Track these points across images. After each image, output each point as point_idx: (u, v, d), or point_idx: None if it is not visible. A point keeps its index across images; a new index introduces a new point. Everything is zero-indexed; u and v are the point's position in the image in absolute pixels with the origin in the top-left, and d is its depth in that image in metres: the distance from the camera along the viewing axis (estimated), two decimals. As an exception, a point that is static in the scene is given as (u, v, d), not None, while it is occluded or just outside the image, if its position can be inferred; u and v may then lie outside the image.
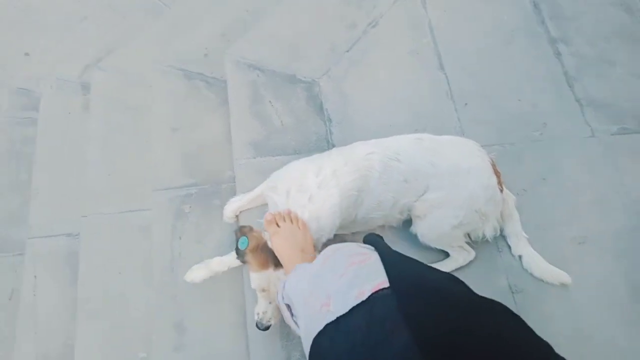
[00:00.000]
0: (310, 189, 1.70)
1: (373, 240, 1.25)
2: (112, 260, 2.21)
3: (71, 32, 3.36)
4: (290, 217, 1.66)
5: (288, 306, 1.31)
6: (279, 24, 2.48)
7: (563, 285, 1.84)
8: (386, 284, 0.97)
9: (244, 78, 2.29)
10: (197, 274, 1.91)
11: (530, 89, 2.30)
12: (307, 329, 1.06)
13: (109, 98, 2.61)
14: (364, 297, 0.95)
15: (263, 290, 1.65)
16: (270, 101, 2.23)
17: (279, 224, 1.64)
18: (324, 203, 1.68)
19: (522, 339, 0.90)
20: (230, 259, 1.88)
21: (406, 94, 2.28)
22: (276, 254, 1.62)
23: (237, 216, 2.03)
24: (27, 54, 3.40)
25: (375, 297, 0.95)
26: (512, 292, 1.86)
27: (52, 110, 2.78)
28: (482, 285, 1.87)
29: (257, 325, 1.66)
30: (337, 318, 0.97)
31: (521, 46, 2.42)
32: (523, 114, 2.24)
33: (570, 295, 1.85)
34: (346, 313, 0.96)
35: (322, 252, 1.27)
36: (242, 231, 1.73)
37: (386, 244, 1.25)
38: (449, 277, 1.13)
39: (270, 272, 1.63)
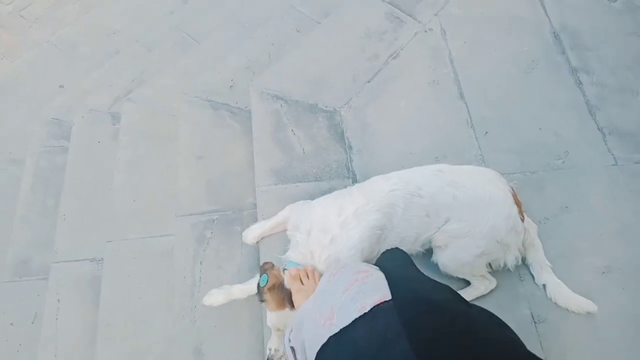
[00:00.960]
0: (332, 229, 1.70)
1: (384, 258, 1.26)
2: (133, 285, 2.25)
3: (103, 65, 3.53)
4: (314, 276, 1.66)
5: (293, 349, 1.31)
6: (302, 56, 2.56)
7: (589, 315, 1.79)
8: (387, 298, 1.00)
9: (267, 107, 2.35)
10: (215, 298, 1.93)
11: (552, 118, 2.29)
12: (311, 344, 1.08)
13: (137, 128, 2.71)
14: (366, 310, 0.99)
15: (278, 329, 1.65)
16: (292, 129, 2.28)
17: (303, 281, 1.65)
18: (345, 244, 1.69)
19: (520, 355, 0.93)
20: (251, 288, 1.89)
21: (426, 122, 2.31)
22: (297, 309, 1.62)
23: (257, 242, 2.04)
24: (61, 86, 3.58)
25: (376, 310, 0.98)
26: (535, 322, 1.81)
27: (82, 139, 2.90)
28: (504, 314, 1.82)
29: None
30: (340, 330, 1.00)
31: (542, 76, 2.43)
32: (544, 142, 2.23)
33: (594, 326, 1.79)
34: (348, 325, 0.99)
35: (326, 272, 1.31)
36: (264, 268, 1.74)
37: (395, 257, 1.26)
38: (452, 297, 1.15)
39: (287, 312, 1.63)
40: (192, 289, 2.05)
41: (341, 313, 1.03)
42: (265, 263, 1.76)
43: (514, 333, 1.01)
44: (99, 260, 2.42)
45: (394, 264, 1.30)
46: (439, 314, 0.98)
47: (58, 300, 2.37)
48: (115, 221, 2.41)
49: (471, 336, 0.92)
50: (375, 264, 1.26)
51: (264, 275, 1.69)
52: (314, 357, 1.05)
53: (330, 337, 1.01)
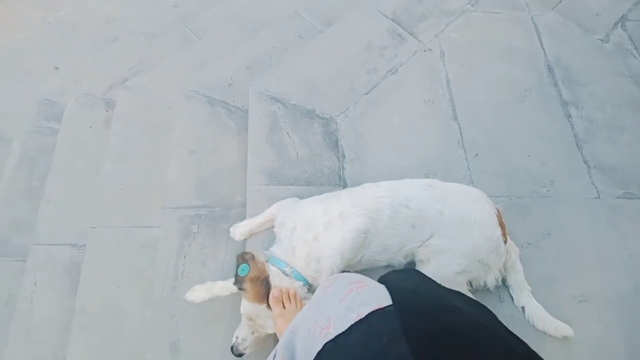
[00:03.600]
0: (316, 228, 1.73)
1: (388, 274, 1.28)
2: (113, 274, 2.22)
3: (101, 51, 3.50)
4: (296, 300, 1.68)
5: None
6: (304, 62, 2.59)
7: (564, 340, 1.84)
8: (383, 305, 1.00)
9: (265, 109, 2.37)
10: (198, 294, 1.91)
11: (540, 147, 2.36)
12: (306, 353, 1.08)
13: (131, 116, 2.70)
14: (362, 317, 0.99)
15: (250, 319, 1.67)
16: (288, 133, 2.30)
17: (285, 305, 1.66)
18: (327, 244, 1.71)
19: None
20: (234, 286, 1.89)
21: (419, 139, 2.35)
22: (277, 333, 1.64)
23: (245, 239, 2.05)
24: (56, 68, 3.54)
25: (373, 315, 0.99)
26: (512, 344, 1.84)
27: (74, 123, 2.86)
28: (482, 333, 1.88)
29: (232, 349, 1.67)
30: (336, 336, 1.00)
31: (533, 105, 2.51)
32: (532, 169, 2.29)
33: (569, 352, 1.83)
34: (345, 331, 0.99)
35: (322, 283, 1.30)
36: (243, 257, 1.75)
37: (398, 272, 1.29)
38: (459, 297, 1.16)
39: (263, 308, 1.65)
40: (173, 282, 2.04)
41: (338, 322, 1.03)
42: (245, 253, 1.77)
43: (526, 346, 0.99)
44: (81, 246, 2.38)
45: (397, 277, 1.31)
46: (441, 320, 0.98)
47: (35, 283, 2.33)
48: (101, 208, 2.38)
49: (471, 344, 0.92)
50: (378, 280, 1.26)
51: (244, 265, 1.70)
52: None
53: (326, 344, 1.01)
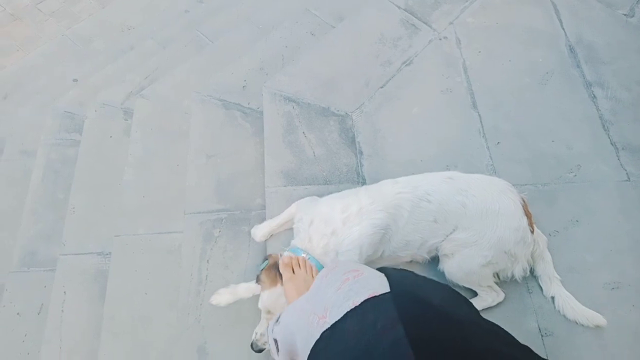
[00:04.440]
0: (334, 223, 1.71)
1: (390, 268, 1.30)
2: (140, 281, 2.25)
3: (117, 61, 3.55)
4: (306, 266, 1.68)
5: (275, 341, 1.33)
6: (316, 60, 2.57)
7: (597, 329, 1.78)
8: (377, 293, 1.03)
9: (279, 109, 2.36)
10: (222, 298, 1.91)
11: (565, 131, 2.28)
12: (305, 342, 1.10)
13: (149, 124, 2.73)
14: (357, 304, 1.02)
15: (268, 312, 1.67)
16: (303, 132, 2.29)
17: (295, 270, 1.67)
18: (345, 239, 1.70)
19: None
20: (256, 286, 1.89)
21: (438, 130, 2.30)
22: (285, 298, 1.64)
23: (265, 240, 2.05)
24: (75, 80, 3.60)
25: (367, 302, 1.01)
26: (542, 335, 1.80)
27: (94, 133, 2.92)
28: (511, 327, 1.81)
29: (252, 345, 1.67)
30: (332, 325, 1.02)
31: (556, 88, 2.43)
32: (557, 155, 2.22)
33: (602, 342, 1.77)
34: (340, 319, 1.02)
35: (319, 273, 1.32)
36: (266, 257, 1.79)
37: (400, 269, 1.34)
38: (453, 295, 1.18)
39: (280, 288, 1.65)
40: (198, 287, 2.06)
41: (334, 310, 1.05)
42: (269, 255, 1.79)
43: (521, 349, 1.00)
44: (107, 254, 2.43)
45: (397, 270, 1.32)
46: (437, 308, 1.01)
47: (64, 292, 2.38)
48: (124, 216, 2.42)
49: (468, 330, 0.95)
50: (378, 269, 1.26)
51: (265, 261, 1.74)
52: (308, 354, 1.07)
53: (323, 332, 1.04)
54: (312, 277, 1.64)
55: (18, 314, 2.52)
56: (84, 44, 4.07)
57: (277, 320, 1.36)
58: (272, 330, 1.36)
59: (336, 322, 1.02)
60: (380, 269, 1.25)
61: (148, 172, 2.55)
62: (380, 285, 1.06)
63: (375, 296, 1.02)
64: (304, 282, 1.62)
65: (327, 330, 1.03)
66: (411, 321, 0.93)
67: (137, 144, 2.65)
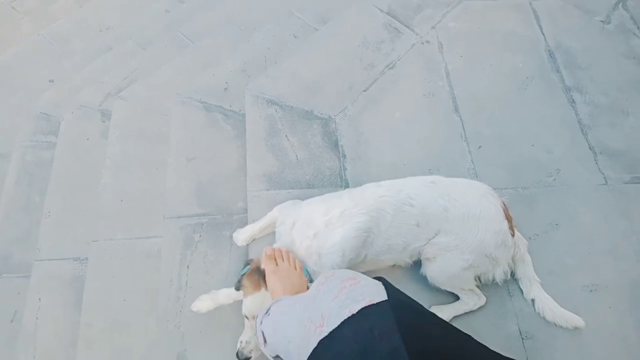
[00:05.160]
0: (317, 226, 1.70)
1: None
2: (117, 287, 2.20)
3: (95, 61, 3.48)
4: (289, 258, 1.68)
5: (263, 333, 1.35)
6: (299, 62, 2.55)
7: (576, 331, 1.80)
8: (374, 301, 1.03)
9: (262, 112, 2.33)
10: (203, 304, 1.88)
11: (545, 135, 2.31)
12: (301, 350, 1.10)
13: (128, 126, 2.67)
14: (354, 312, 1.02)
15: (253, 318, 1.63)
16: (286, 135, 2.27)
17: (278, 262, 1.66)
18: (327, 241, 1.68)
19: None
20: (236, 293, 1.86)
21: (421, 134, 2.31)
22: (269, 290, 1.63)
23: (247, 245, 2.02)
24: (51, 81, 3.52)
25: (364, 311, 1.01)
26: (522, 338, 1.81)
27: (71, 135, 2.85)
28: (492, 330, 1.85)
29: (237, 354, 1.64)
30: (330, 333, 1.02)
31: (536, 93, 2.46)
32: (537, 159, 2.24)
33: (580, 343, 1.79)
34: (337, 327, 1.01)
35: (316, 280, 1.32)
36: (247, 262, 1.77)
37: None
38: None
39: (263, 292, 1.63)
40: (177, 292, 2.02)
41: (331, 319, 1.05)
42: (251, 260, 1.77)
43: None
44: (83, 259, 2.37)
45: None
46: (433, 322, 1.02)
47: (39, 299, 2.32)
48: (102, 220, 2.36)
49: (462, 341, 0.96)
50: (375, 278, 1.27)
51: (247, 266, 1.72)
52: None
53: (320, 341, 1.03)
54: (296, 268, 1.65)
55: (-10, 322, 2.44)
56: (61, 43, 3.97)
57: (266, 312, 1.36)
58: (261, 322, 1.35)
59: (333, 330, 1.02)
60: (377, 278, 1.26)
61: (126, 175, 2.50)
62: (377, 293, 1.06)
63: (372, 304, 1.02)
64: (287, 274, 1.62)
65: (324, 338, 1.03)
66: (409, 330, 0.93)
67: (115, 147, 2.59)
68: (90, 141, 2.81)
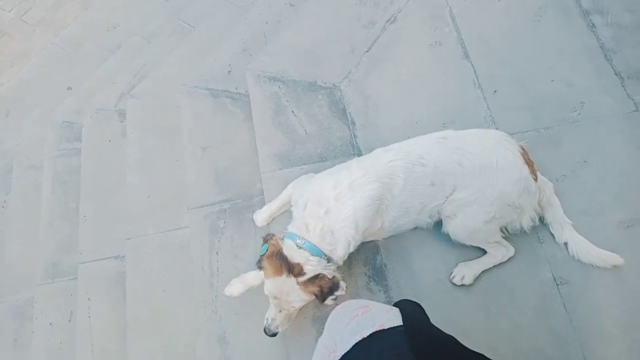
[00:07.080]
0: (327, 202, 1.69)
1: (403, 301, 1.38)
2: (156, 279, 2.30)
3: (107, 61, 3.53)
4: None
5: None
6: (297, 33, 2.48)
7: (614, 269, 1.73)
8: (385, 327, 1.08)
9: (265, 91, 2.31)
10: (235, 288, 1.94)
11: (564, 68, 2.16)
12: None
13: (143, 123, 2.72)
14: (365, 336, 1.07)
15: (275, 298, 1.67)
16: (292, 111, 2.24)
17: None
18: (339, 215, 1.67)
19: None
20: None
21: (431, 88, 2.22)
22: None
23: (268, 224, 2.05)
24: (69, 88, 3.61)
25: (375, 334, 1.06)
26: (557, 284, 1.76)
27: (93, 140, 2.94)
28: (524, 280, 1.80)
29: (264, 330, 1.71)
30: (342, 357, 1.07)
31: (551, 23, 2.28)
32: (558, 95, 2.11)
33: (621, 283, 1.73)
34: (348, 350, 1.07)
35: (332, 312, 1.36)
36: (265, 239, 1.77)
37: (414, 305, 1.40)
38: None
39: (284, 278, 1.64)
40: (210, 279, 2.09)
41: (343, 345, 1.11)
42: (267, 234, 1.78)
43: None
44: (122, 257, 2.48)
45: (410, 304, 1.39)
46: (448, 341, 1.06)
47: (88, 299, 2.46)
48: (133, 218, 2.45)
49: None
50: (393, 305, 1.32)
51: (265, 245, 1.73)
52: None
53: None
54: None
55: (50, 323, 2.63)
56: (74, 48, 4.05)
57: None
58: None
59: (345, 354, 1.07)
60: (396, 304, 1.32)
61: (149, 172, 2.56)
62: (388, 320, 1.10)
63: (383, 329, 1.07)
64: None
65: None
66: (422, 352, 0.97)
67: (134, 146, 2.65)
68: (112, 142, 2.90)
